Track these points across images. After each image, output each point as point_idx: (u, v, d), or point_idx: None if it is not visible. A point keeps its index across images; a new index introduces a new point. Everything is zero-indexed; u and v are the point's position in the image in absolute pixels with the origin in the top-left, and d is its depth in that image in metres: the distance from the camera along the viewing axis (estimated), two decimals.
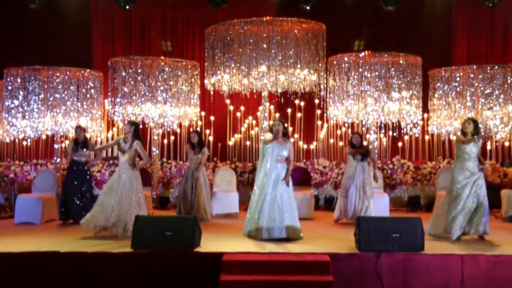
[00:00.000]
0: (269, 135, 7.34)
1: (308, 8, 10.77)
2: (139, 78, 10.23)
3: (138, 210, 7.43)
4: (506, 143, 11.11)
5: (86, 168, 8.85)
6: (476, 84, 10.08)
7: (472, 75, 10.13)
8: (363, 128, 10.95)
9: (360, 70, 9.99)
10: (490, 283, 6.12)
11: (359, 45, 12.33)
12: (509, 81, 9.96)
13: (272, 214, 7.13)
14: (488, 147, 11.25)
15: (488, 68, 10.09)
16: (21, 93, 9.91)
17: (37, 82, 9.92)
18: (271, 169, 7.30)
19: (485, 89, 10.02)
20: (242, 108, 11.82)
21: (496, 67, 10.09)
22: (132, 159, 7.60)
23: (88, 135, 10.23)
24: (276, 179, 7.25)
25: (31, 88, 9.90)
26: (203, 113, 11.74)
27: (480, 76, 10.04)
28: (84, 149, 8.80)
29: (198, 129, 11.31)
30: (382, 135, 11.46)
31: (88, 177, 8.89)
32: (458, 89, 10.22)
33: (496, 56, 12.04)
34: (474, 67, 10.22)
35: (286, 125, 7.57)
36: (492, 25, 12.16)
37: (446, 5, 12.25)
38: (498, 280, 6.12)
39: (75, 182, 8.72)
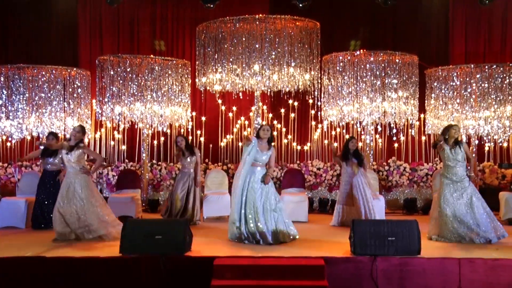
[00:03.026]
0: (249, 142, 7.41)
1: (301, 5, 10.80)
2: (128, 77, 10.21)
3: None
4: (505, 144, 11.19)
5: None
6: (474, 84, 10.14)
7: (470, 74, 10.19)
8: (358, 129, 11.00)
9: (355, 69, 10.04)
10: None
11: (355, 45, 12.34)
12: (507, 80, 10.03)
13: (255, 218, 7.20)
14: (486, 149, 11.33)
15: (486, 67, 10.16)
16: (5, 92, 9.88)
17: (21, 81, 9.91)
18: (247, 172, 7.35)
19: (483, 88, 10.08)
20: (234, 108, 11.84)
21: (494, 66, 10.16)
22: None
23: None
24: (253, 183, 7.30)
25: (15, 87, 9.88)
26: (194, 114, 11.73)
27: (478, 76, 10.11)
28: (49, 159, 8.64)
29: (186, 130, 11.31)
30: (377, 136, 11.51)
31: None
32: (456, 88, 10.27)
33: (494, 54, 12.13)
34: (472, 66, 10.28)
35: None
36: (490, 23, 12.24)
37: (443, 2, 12.33)
38: (497, 285, 6.16)
39: (47, 190, 8.62)
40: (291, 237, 7.37)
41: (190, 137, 11.75)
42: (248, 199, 7.27)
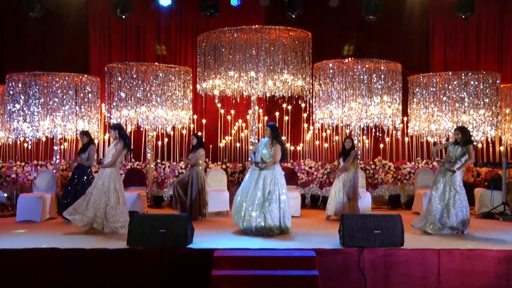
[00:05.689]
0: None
1: (293, 16, 10.80)
2: (134, 83, 10.21)
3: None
4: (479, 145, 11.24)
5: (87, 170, 8.77)
6: (451, 89, 10.18)
7: (448, 81, 10.23)
8: (347, 131, 11.02)
9: (344, 75, 10.05)
10: (464, 276, 6.21)
11: (349, 50, 12.39)
12: (481, 86, 10.08)
13: (253, 212, 7.25)
14: None
15: (463, 74, 10.20)
16: (22, 97, 9.85)
17: (37, 87, 9.87)
18: (254, 170, 7.43)
19: (460, 94, 10.12)
20: (232, 111, 11.83)
21: (470, 73, 10.21)
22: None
23: None
24: (257, 179, 7.35)
25: (31, 92, 9.84)
26: (195, 116, 11.73)
27: (455, 82, 10.15)
28: (81, 155, 8.77)
29: (188, 131, 11.32)
30: (364, 137, 11.54)
31: (86, 177, 8.81)
32: (435, 94, 10.32)
33: (469, 63, 12.17)
34: (450, 73, 10.33)
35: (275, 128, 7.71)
36: (466, 34, 12.29)
37: (423, 15, 12.36)
38: (472, 273, 6.21)
39: (75, 182, 8.70)
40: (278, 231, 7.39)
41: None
42: (251, 194, 7.39)
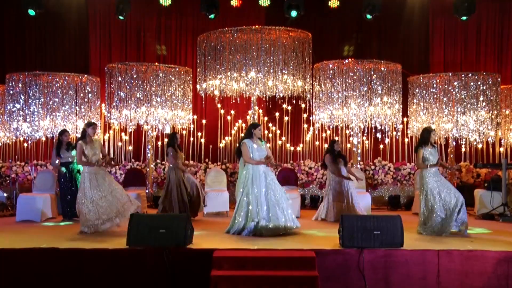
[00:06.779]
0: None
1: (293, 16, 10.77)
2: (134, 83, 10.23)
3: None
4: (479, 146, 11.25)
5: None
6: (451, 90, 10.20)
7: (448, 82, 10.25)
8: (347, 131, 11.03)
9: (344, 76, 10.07)
10: (464, 276, 6.21)
11: (349, 50, 12.43)
12: (481, 87, 10.09)
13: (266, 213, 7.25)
14: (463, 150, 11.39)
15: (463, 75, 10.22)
16: (22, 97, 9.88)
17: (37, 87, 9.92)
18: (258, 170, 7.39)
19: (460, 94, 10.14)
20: (232, 112, 11.85)
21: (470, 74, 10.22)
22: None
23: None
24: (264, 178, 7.34)
25: (31, 92, 9.89)
26: (195, 117, 11.74)
27: (455, 83, 10.17)
28: (69, 151, 8.77)
29: (188, 132, 11.33)
30: (364, 138, 11.55)
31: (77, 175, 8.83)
32: (435, 95, 10.34)
33: (469, 63, 12.19)
34: (450, 74, 10.34)
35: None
36: (466, 35, 12.32)
37: (423, 15, 12.38)
38: (471, 274, 6.21)
39: (68, 183, 8.69)
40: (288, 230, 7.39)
41: (191, 138, 11.79)
42: (267, 196, 7.34)
